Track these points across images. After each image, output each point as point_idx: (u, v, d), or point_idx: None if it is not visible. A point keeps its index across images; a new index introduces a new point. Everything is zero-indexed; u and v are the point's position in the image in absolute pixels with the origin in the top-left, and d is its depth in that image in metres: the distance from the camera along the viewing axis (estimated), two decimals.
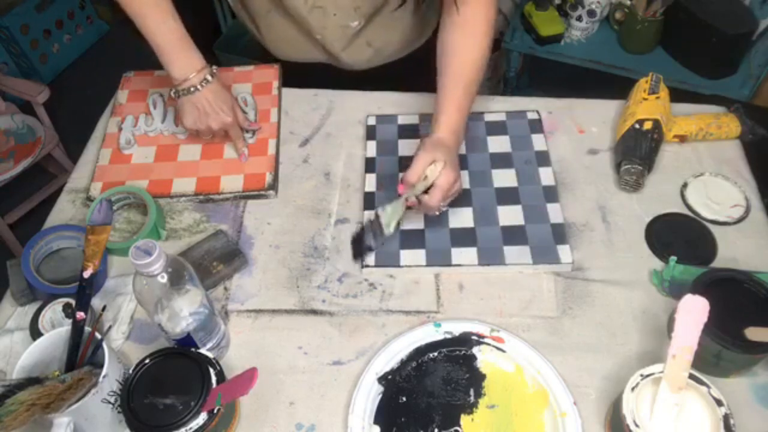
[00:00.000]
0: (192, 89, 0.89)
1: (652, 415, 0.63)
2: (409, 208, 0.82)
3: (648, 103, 0.95)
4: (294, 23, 1.00)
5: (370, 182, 0.93)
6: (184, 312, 0.68)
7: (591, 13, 1.80)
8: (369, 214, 0.84)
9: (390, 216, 0.81)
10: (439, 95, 0.84)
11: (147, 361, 0.66)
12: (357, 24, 0.98)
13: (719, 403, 0.64)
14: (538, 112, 1.02)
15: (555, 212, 0.88)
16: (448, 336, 0.77)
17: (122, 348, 0.78)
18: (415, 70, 0.97)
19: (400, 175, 0.81)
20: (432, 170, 0.78)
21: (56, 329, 0.69)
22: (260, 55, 1.14)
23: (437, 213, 0.84)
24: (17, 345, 0.77)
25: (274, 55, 1.10)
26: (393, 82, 1.07)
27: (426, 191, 0.79)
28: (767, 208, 0.90)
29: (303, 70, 1.08)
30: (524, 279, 0.83)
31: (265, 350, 0.78)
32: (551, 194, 0.90)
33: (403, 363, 0.75)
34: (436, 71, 0.86)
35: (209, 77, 0.91)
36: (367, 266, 0.84)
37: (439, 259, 0.84)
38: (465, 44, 0.85)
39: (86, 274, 0.73)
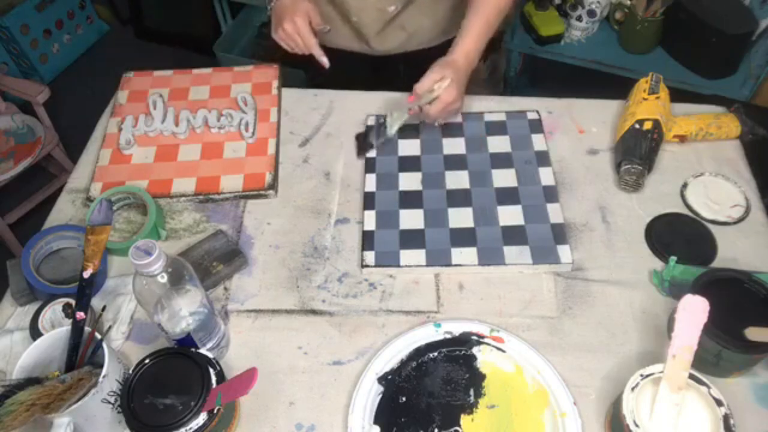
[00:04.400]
0: None
1: (652, 415, 0.63)
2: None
3: (648, 103, 0.95)
4: (332, 5, 1.04)
5: (370, 182, 0.93)
6: (184, 312, 0.68)
7: (591, 13, 1.80)
8: (378, 118, 1.00)
9: (394, 119, 0.95)
10: (461, 25, 0.94)
11: (147, 361, 0.66)
12: (394, 9, 1.02)
13: (719, 403, 0.64)
14: (538, 112, 1.02)
15: (555, 212, 0.88)
16: (448, 336, 0.77)
17: (122, 348, 0.78)
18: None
19: (415, 86, 0.91)
20: (439, 86, 0.90)
21: (56, 329, 0.69)
22: (260, 55, 1.14)
23: (435, 124, 0.98)
24: (17, 345, 0.77)
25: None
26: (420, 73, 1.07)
27: (431, 103, 0.91)
28: (767, 208, 0.90)
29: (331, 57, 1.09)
30: (524, 279, 0.83)
31: (265, 350, 0.78)
32: (551, 194, 0.90)
33: (403, 363, 0.75)
34: None
35: None
36: (367, 266, 0.84)
37: (439, 259, 0.84)
38: None
39: (86, 274, 0.73)
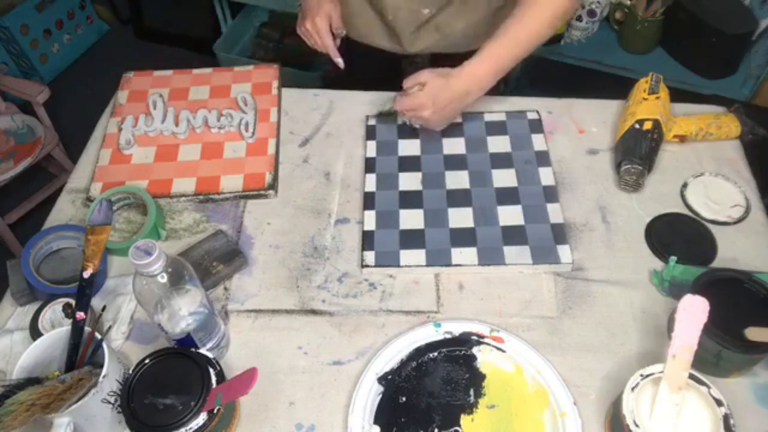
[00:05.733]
0: None
1: (652, 415, 0.63)
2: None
3: (648, 103, 0.95)
4: (369, 2, 1.04)
5: (370, 182, 0.93)
6: (184, 312, 0.68)
7: (591, 13, 1.80)
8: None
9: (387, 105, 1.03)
10: (490, 38, 0.89)
11: (147, 361, 0.66)
12: (428, 12, 1.02)
13: (719, 403, 0.64)
14: (538, 112, 1.02)
15: (555, 212, 0.88)
16: (448, 336, 0.77)
17: (122, 348, 0.78)
18: None
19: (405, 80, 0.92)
20: (417, 89, 0.90)
21: (56, 329, 0.69)
22: (260, 55, 1.14)
23: (404, 118, 0.96)
24: (17, 345, 0.77)
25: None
26: None
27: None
28: (767, 208, 0.90)
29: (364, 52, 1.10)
30: (524, 279, 0.83)
31: (265, 350, 0.78)
32: (551, 194, 0.90)
33: (403, 363, 0.75)
34: None
35: None
36: (367, 266, 0.84)
37: (439, 259, 0.84)
38: (525, 16, 0.89)
39: (86, 274, 0.73)
